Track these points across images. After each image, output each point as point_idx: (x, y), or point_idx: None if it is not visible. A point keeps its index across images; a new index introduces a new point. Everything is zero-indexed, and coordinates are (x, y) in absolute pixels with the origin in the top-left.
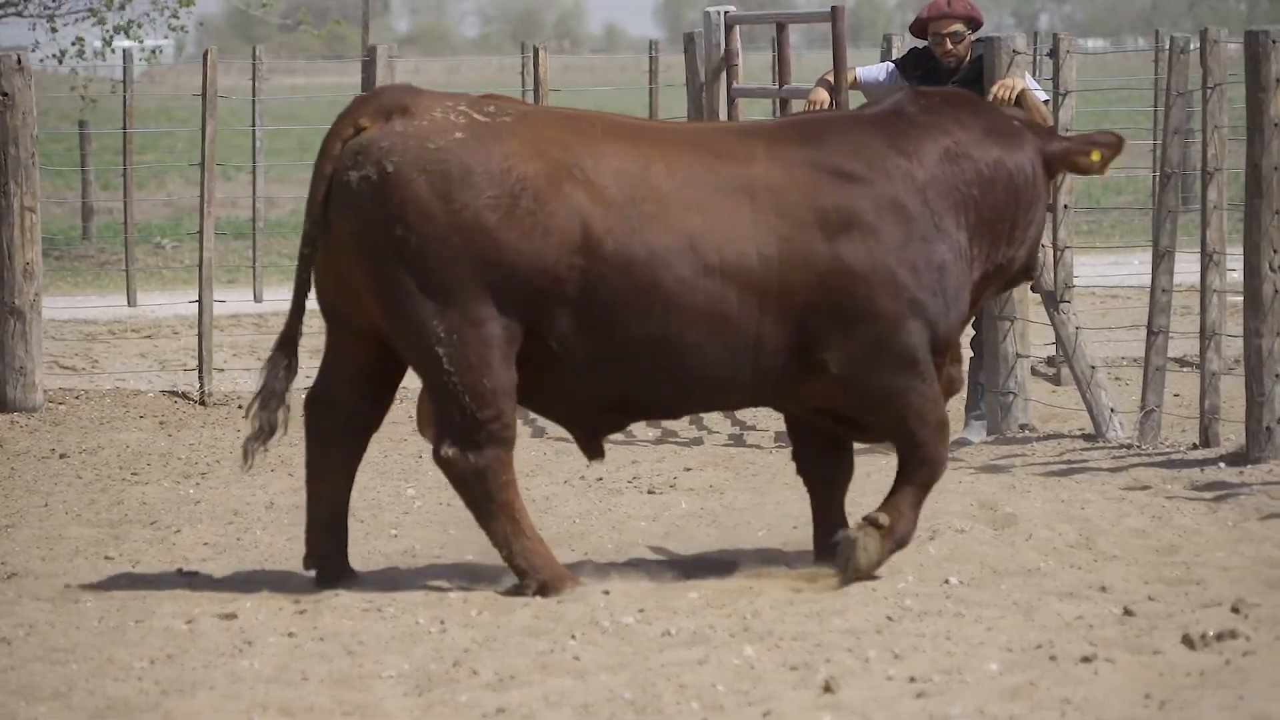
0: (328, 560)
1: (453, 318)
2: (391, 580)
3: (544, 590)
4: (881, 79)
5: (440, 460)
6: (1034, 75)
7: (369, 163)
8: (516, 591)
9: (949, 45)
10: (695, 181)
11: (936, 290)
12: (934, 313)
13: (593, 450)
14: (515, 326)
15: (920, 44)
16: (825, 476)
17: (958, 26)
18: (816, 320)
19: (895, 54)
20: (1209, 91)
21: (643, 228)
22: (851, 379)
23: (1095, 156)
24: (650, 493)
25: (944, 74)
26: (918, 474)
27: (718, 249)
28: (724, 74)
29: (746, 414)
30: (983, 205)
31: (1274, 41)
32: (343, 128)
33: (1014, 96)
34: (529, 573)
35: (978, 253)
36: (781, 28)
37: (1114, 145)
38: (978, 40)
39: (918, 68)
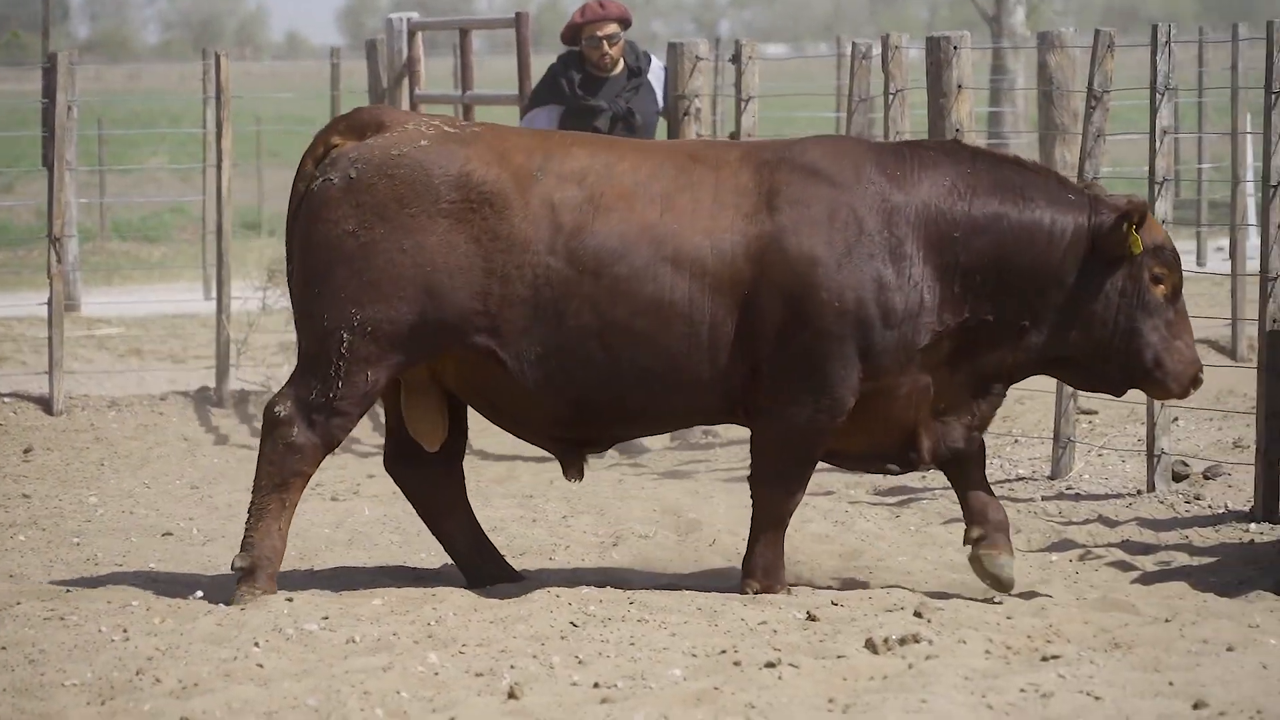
0: (496, 579)
1: (375, 312)
2: (74, 589)
3: (248, 577)
4: (540, 121)
5: (268, 410)
6: (717, 81)
7: (335, 171)
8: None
9: (606, 48)
10: (659, 178)
11: (872, 304)
12: (865, 322)
13: (573, 470)
14: (441, 336)
15: (572, 51)
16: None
17: (614, 28)
18: (759, 315)
19: None
20: (891, 97)
21: (602, 225)
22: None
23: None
24: (334, 499)
25: (596, 78)
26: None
27: (674, 242)
28: (406, 80)
29: None
30: (967, 250)
31: (955, 48)
32: (316, 145)
33: None
34: (249, 551)
35: (948, 294)
36: (465, 34)
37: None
38: (628, 43)
39: (578, 71)
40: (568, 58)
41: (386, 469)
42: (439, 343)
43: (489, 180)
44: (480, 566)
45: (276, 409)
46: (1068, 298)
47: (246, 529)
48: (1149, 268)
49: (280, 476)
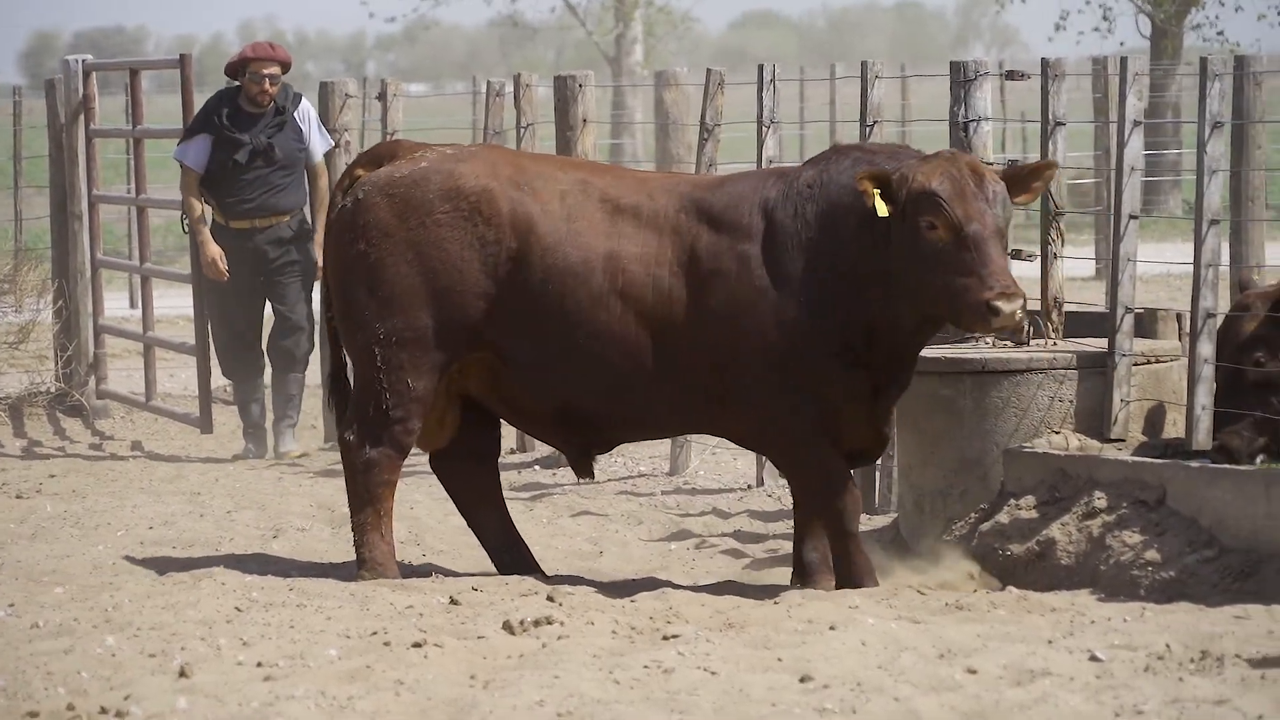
0: (522, 570)
1: (396, 323)
2: None
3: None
4: (196, 154)
5: (340, 439)
6: (365, 116)
7: (350, 196)
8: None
9: (267, 85)
10: (621, 212)
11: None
12: None
13: (582, 469)
14: (460, 337)
15: (229, 88)
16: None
17: (277, 69)
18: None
19: None
20: (522, 130)
21: (573, 243)
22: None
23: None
24: (19, 497)
25: (249, 115)
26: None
27: (626, 269)
28: (82, 116)
29: (105, 426)
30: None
31: (580, 85)
32: (344, 178)
33: None
34: (365, 565)
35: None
36: (134, 74)
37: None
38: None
39: (229, 106)
40: (223, 94)
41: (431, 466)
42: (462, 343)
43: (478, 190)
44: (508, 557)
45: (346, 435)
46: (876, 271)
47: (356, 546)
48: (917, 218)
49: (368, 492)
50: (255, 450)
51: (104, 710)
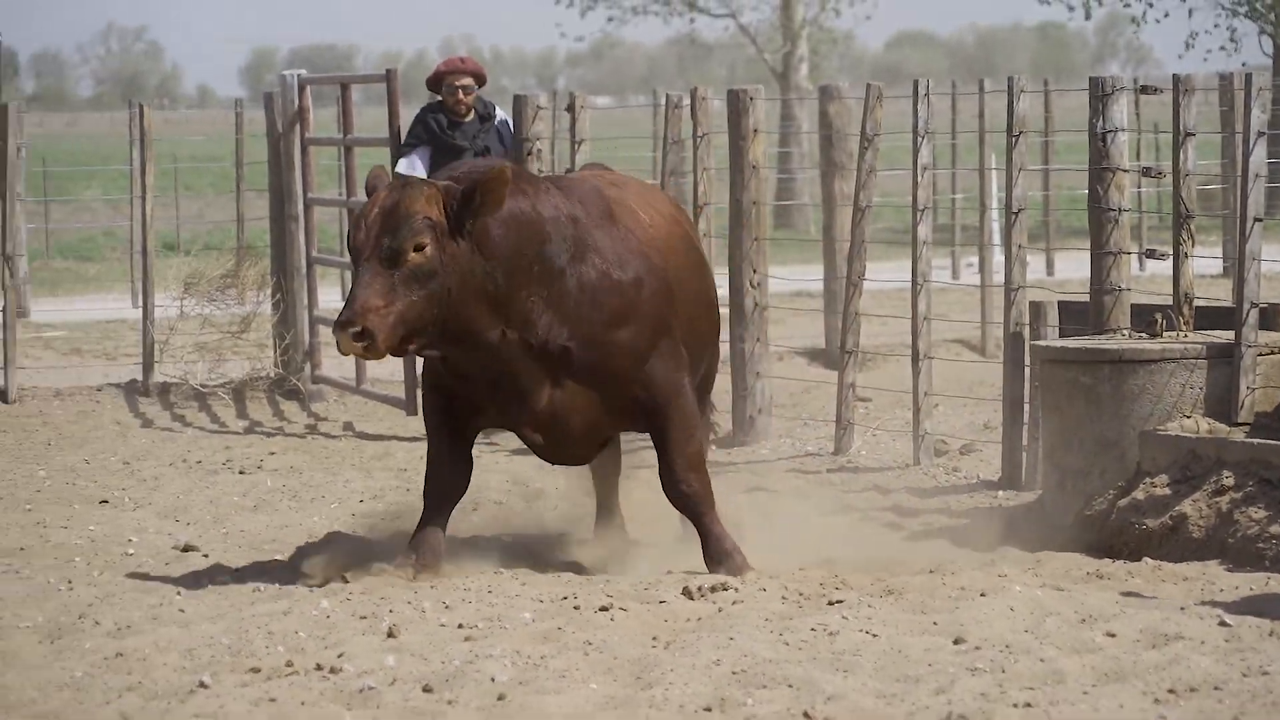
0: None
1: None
2: (26, 547)
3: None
4: (417, 164)
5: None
6: (555, 127)
7: None
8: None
9: (461, 95)
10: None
11: None
12: None
13: None
14: None
15: (434, 101)
16: None
17: (469, 80)
18: None
19: None
20: (698, 139)
21: None
22: None
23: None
24: (241, 473)
25: (456, 123)
26: None
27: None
28: (298, 126)
29: (319, 408)
30: None
31: (751, 99)
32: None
33: None
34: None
35: None
36: (345, 87)
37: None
38: (480, 98)
39: (437, 118)
40: (431, 106)
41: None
42: None
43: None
44: (603, 520)
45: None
46: None
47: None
48: None
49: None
50: None
51: (319, 666)
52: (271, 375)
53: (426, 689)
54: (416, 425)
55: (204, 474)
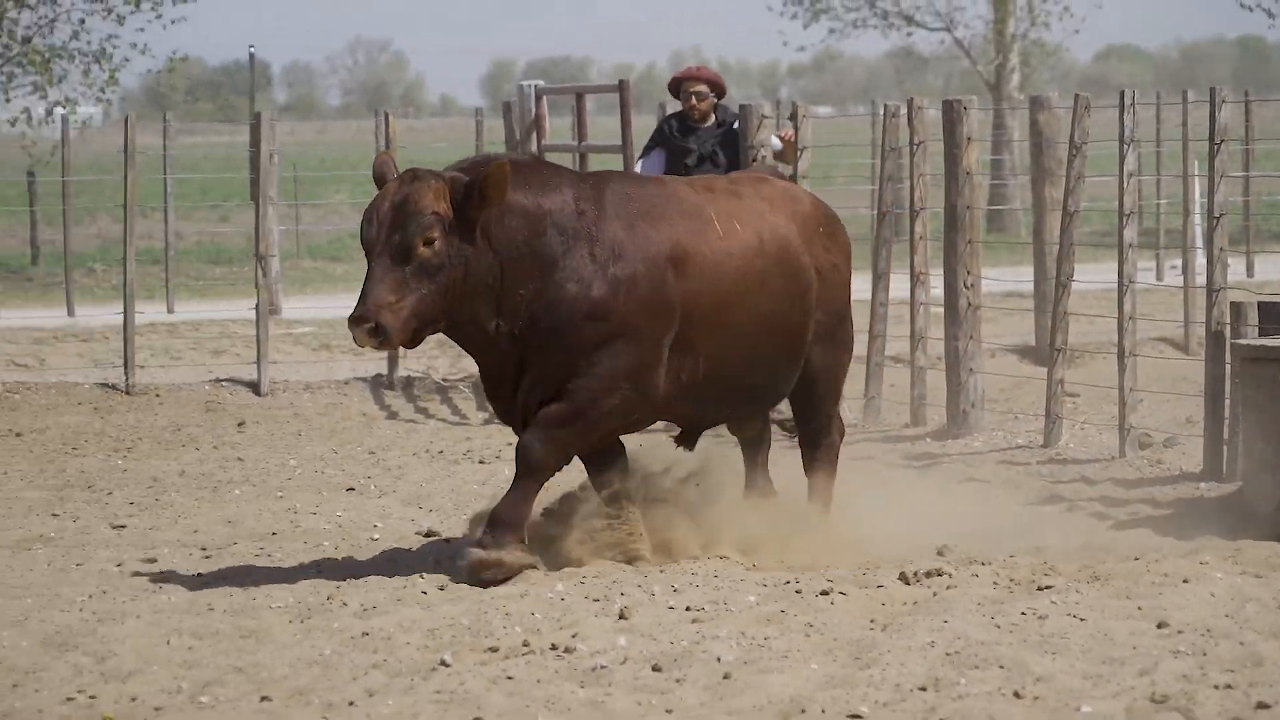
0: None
1: None
2: (278, 532)
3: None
4: (651, 166)
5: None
6: (777, 136)
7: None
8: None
9: (694, 101)
10: None
11: None
12: None
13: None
14: None
15: (677, 110)
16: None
17: (703, 87)
18: None
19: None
20: (915, 147)
21: None
22: None
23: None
24: (481, 462)
25: (691, 127)
26: None
27: None
28: (534, 134)
29: None
30: None
31: (965, 108)
32: None
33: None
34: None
35: None
36: (580, 97)
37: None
38: (720, 106)
39: (675, 130)
40: (672, 115)
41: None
42: None
43: None
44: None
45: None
46: None
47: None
48: None
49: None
50: None
51: (554, 646)
52: None
53: (656, 668)
54: None
55: (446, 463)
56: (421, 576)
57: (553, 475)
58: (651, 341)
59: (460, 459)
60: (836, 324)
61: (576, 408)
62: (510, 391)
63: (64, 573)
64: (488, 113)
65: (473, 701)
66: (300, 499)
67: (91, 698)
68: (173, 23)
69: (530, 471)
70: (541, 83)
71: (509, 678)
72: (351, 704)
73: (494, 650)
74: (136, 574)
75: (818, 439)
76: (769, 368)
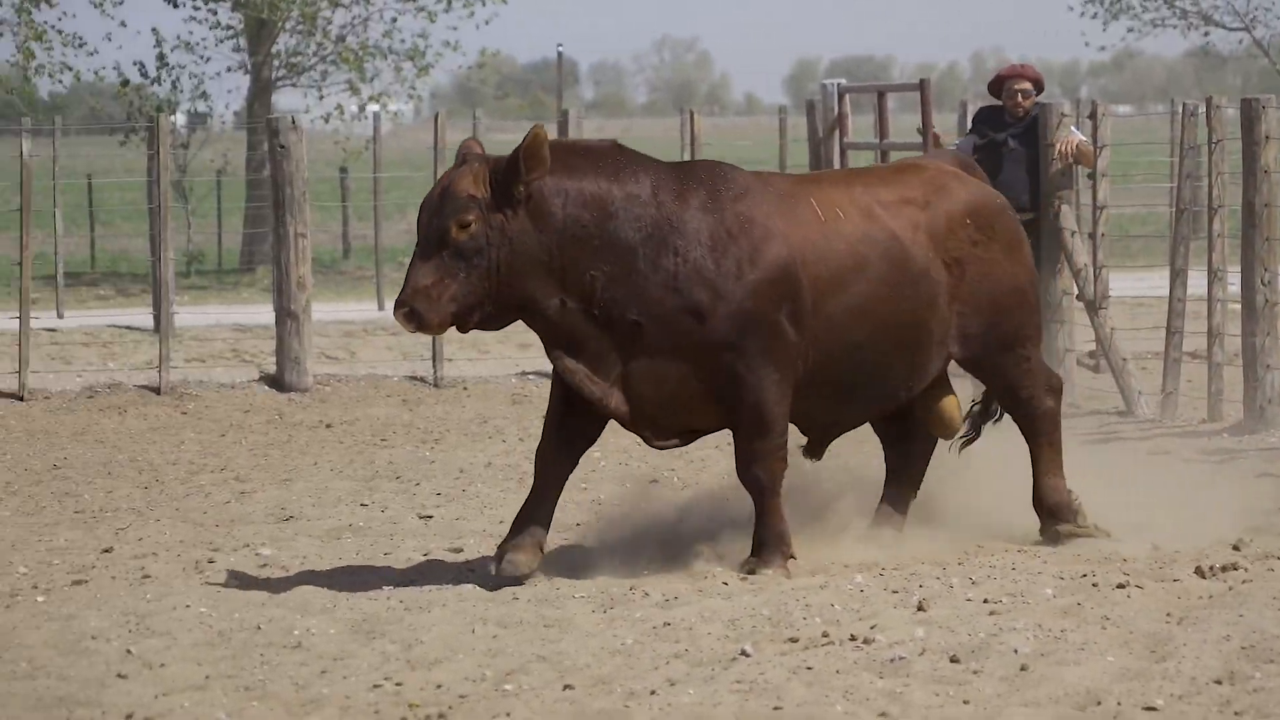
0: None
1: None
2: (582, 523)
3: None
4: (967, 148)
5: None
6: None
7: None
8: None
9: (1019, 99)
10: None
11: None
12: None
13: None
14: None
15: (993, 103)
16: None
17: (1027, 85)
18: None
19: (968, 115)
20: (1213, 145)
21: None
22: None
23: None
24: None
25: (1001, 124)
26: None
27: None
28: (837, 131)
29: None
30: None
31: (1264, 107)
32: None
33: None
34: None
35: None
36: (881, 95)
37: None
38: (1036, 102)
39: (984, 121)
40: (987, 107)
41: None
42: None
43: None
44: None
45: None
46: None
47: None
48: None
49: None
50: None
51: (853, 637)
52: None
53: (953, 659)
54: None
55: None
56: (722, 568)
57: (783, 480)
58: (772, 323)
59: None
60: (993, 317)
61: (747, 417)
62: (603, 371)
63: (372, 561)
64: (791, 111)
65: (772, 691)
66: (605, 490)
67: (398, 685)
68: (485, 22)
69: (765, 494)
70: (844, 81)
71: (808, 668)
72: (653, 693)
73: (794, 641)
74: (443, 563)
75: (1029, 423)
76: (876, 363)
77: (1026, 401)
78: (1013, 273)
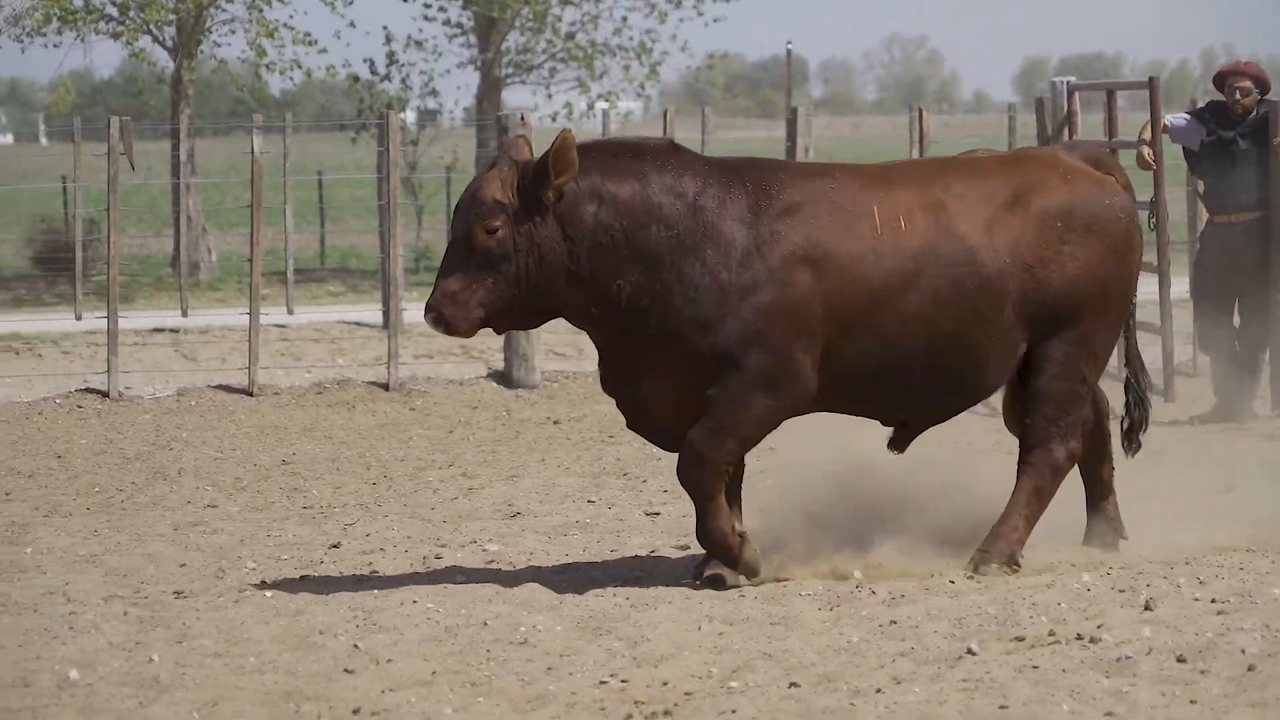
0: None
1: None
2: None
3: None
4: (1182, 124)
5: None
6: None
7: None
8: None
9: (1238, 96)
10: None
11: None
12: None
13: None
14: None
15: (1220, 99)
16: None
17: (1247, 83)
18: None
19: None
20: None
21: None
22: None
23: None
24: (1010, 453)
25: (1231, 122)
26: None
27: None
28: (1066, 130)
29: None
30: None
31: None
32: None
33: None
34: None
35: None
36: (1110, 94)
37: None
38: (1263, 100)
39: (1212, 116)
40: (1213, 104)
41: None
42: None
43: None
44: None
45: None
46: None
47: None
48: None
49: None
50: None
51: (1079, 636)
52: None
53: (1180, 659)
54: (1174, 411)
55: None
56: (949, 565)
57: (723, 490)
58: (779, 348)
59: (988, 450)
60: (1065, 313)
61: (718, 426)
62: (620, 376)
63: (599, 557)
64: (1020, 109)
65: (998, 690)
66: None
67: (623, 682)
68: (714, 20)
69: (703, 499)
70: (1073, 79)
71: (1034, 667)
72: (878, 691)
73: (1020, 640)
74: (669, 560)
75: (1030, 451)
76: (949, 361)
77: (1044, 429)
78: (1103, 278)
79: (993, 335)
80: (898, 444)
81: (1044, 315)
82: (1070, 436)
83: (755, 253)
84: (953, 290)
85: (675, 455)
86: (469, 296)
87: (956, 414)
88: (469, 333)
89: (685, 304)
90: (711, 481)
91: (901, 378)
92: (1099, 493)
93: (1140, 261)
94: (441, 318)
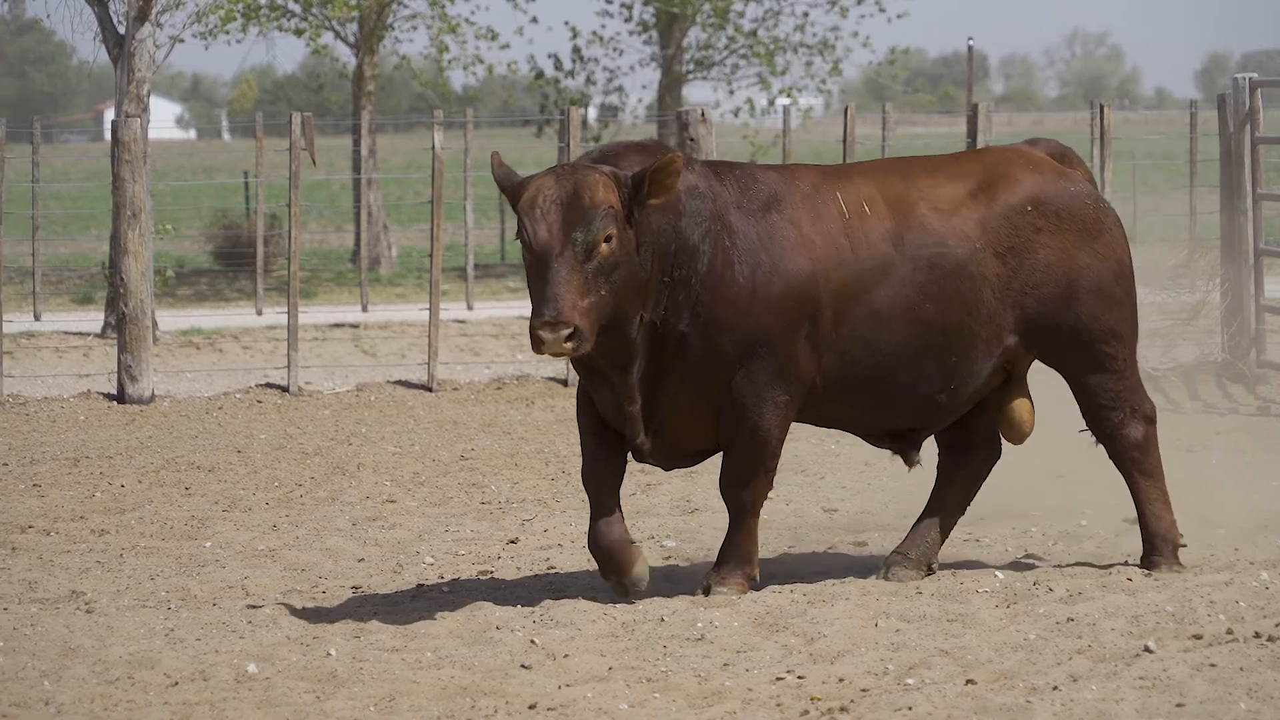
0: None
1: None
2: (983, 518)
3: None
4: None
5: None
6: None
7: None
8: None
9: None
10: None
11: None
12: None
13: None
14: None
15: None
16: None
17: None
18: None
19: None
20: None
21: None
22: None
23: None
24: (1188, 450)
25: None
26: None
27: None
28: (1248, 126)
29: (1265, 391)
30: None
31: None
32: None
33: None
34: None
35: None
36: None
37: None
38: None
39: None
40: None
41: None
42: None
43: None
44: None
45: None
46: None
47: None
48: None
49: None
50: None
51: (1258, 634)
52: (1218, 359)
53: None
54: None
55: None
56: (1125, 563)
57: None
58: (788, 340)
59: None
60: (1061, 308)
61: (741, 440)
62: (622, 403)
63: (775, 554)
64: (1202, 105)
65: (1175, 688)
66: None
67: (800, 678)
68: (898, 16)
69: (744, 513)
70: (1256, 75)
71: (1212, 665)
72: (1055, 688)
73: (1198, 638)
74: (846, 556)
75: (1110, 445)
76: (905, 367)
77: (1107, 418)
78: (1087, 263)
79: (968, 331)
80: (906, 456)
81: (1031, 303)
82: (1132, 411)
83: (759, 246)
84: (925, 281)
85: (854, 448)
86: (589, 309)
87: (953, 412)
88: (591, 349)
89: (712, 296)
90: (754, 498)
91: (877, 377)
92: (942, 506)
93: (1124, 241)
94: (579, 332)
